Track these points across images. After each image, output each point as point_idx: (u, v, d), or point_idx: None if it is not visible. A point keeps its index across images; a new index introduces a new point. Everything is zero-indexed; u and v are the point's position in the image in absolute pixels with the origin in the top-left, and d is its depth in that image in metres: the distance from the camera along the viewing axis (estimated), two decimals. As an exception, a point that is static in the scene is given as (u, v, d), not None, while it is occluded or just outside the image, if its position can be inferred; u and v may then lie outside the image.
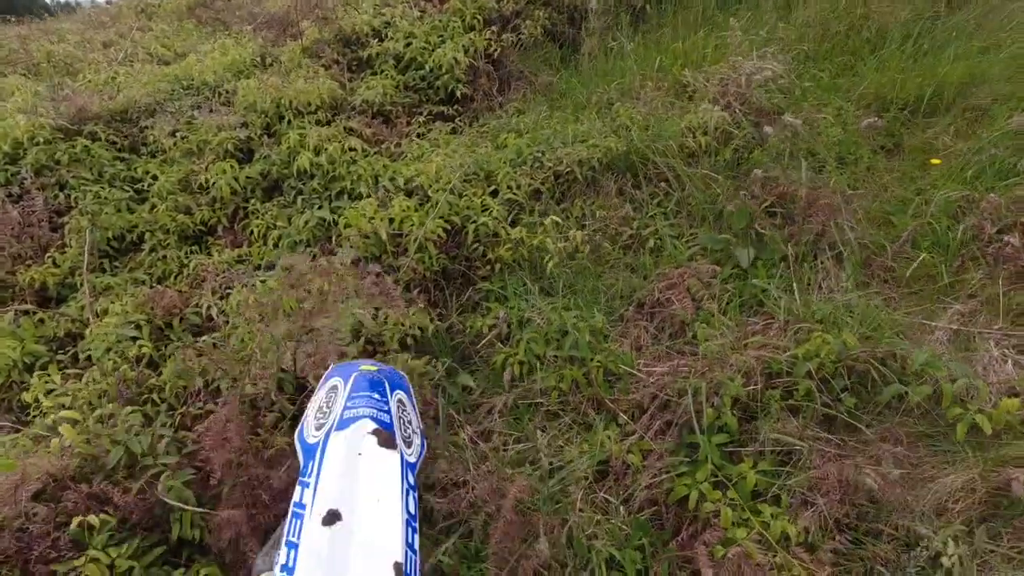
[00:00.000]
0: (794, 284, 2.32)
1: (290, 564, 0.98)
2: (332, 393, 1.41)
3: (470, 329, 2.54)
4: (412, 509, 1.14)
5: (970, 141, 2.57)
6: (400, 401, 1.43)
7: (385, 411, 1.33)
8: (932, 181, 2.56)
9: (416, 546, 1.08)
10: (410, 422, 1.41)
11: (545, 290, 2.73)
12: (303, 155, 3.03)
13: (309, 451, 1.24)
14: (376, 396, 1.36)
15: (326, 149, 3.06)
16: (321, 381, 1.50)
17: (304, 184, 3.06)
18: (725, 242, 2.62)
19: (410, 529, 1.08)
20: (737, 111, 3.01)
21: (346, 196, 2.99)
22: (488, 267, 2.74)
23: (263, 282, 2.62)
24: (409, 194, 2.92)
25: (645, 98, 3.46)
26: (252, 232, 2.95)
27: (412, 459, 1.27)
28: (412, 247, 2.62)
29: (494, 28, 4.28)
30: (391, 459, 1.21)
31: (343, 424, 1.26)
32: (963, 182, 2.44)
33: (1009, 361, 1.95)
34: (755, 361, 2.05)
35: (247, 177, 3.09)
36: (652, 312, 2.55)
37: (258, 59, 4.10)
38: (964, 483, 1.67)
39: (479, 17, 4.28)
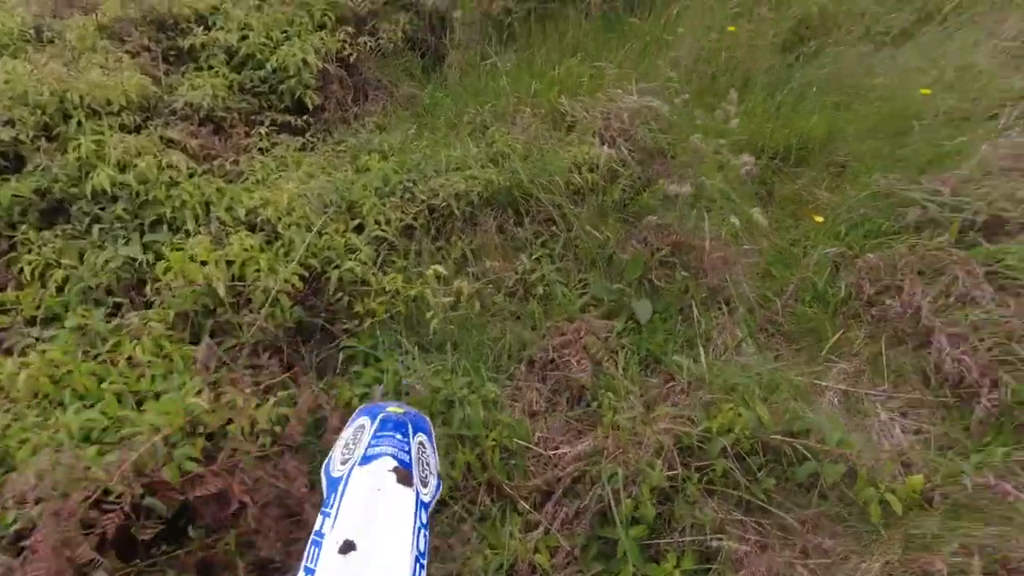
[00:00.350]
0: (699, 345, 2.20)
1: None
2: (359, 431, 1.46)
3: (337, 400, 2.07)
4: (422, 547, 1.17)
5: (836, 195, 2.67)
6: (421, 443, 1.47)
7: (406, 451, 1.37)
8: (805, 232, 2.62)
9: None
10: (428, 463, 1.45)
11: (424, 346, 2.35)
12: (102, 171, 2.30)
13: (333, 484, 1.28)
14: (399, 436, 1.41)
15: (135, 165, 2.37)
16: (350, 420, 1.55)
17: (103, 209, 2.33)
18: (619, 292, 2.45)
19: (419, 566, 1.12)
20: (623, 148, 2.88)
21: (165, 227, 2.33)
22: (356, 320, 2.29)
23: (42, 347, 1.91)
24: (252, 228, 2.35)
25: (522, 124, 3.21)
26: (22, 271, 2.18)
27: (427, 499, 1.31)
28: (260, 300, 2.08)
29: (348, 29, 3.76)
30: (407, 496, 1.25)
31: (366, 460, 1.32)
32: (837, 237, 2.51)
33: (897, 426, 1.99)
34: (668, 437, 1.88)
35: (14, 196, 2.29)
36: (545, 374, 2.30)
37: (31, 32, 3.16)
38: (882, 568, 1.62)
39: (330, 14, 3.74)
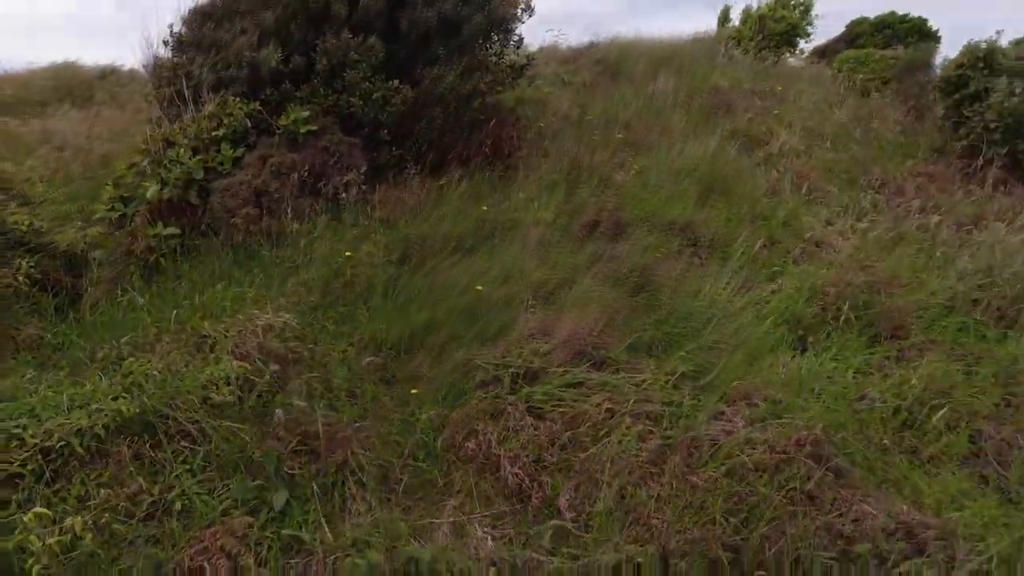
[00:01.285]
0: (321, 517, 2.52)
1: None
2: None
3: None
4: None
5: (436, 369, 3.42)
6: None
7: None
8: (418, 403, 3.25)
9: None
10: None
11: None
12: None
13: None
14: None
15: None
16: None
17: None
18: (258, 489, 2.66)
19: None
20: (257, 360, 3.25)
21: None
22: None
23: None
24: None
25: (161, 351, 3.38)
26: None
27: None
28: None
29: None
30: None
31: None
32: (436, 403, 3.19)
33: (488, 538, 2.53)
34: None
35: None
36: (184, 588, 2.32)
37: None
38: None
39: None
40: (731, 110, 8.13)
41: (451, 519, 2.65)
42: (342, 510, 2.68)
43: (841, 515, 2.34)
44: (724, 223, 5.13)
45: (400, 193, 5.23)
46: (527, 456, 2.74)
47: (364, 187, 5.22)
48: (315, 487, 2.65)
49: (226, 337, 3.48)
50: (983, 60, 7.31)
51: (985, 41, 7.45)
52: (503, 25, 6.17)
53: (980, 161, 7.04)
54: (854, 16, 14.92)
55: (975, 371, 3.27)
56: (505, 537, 2.55)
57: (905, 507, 2.36)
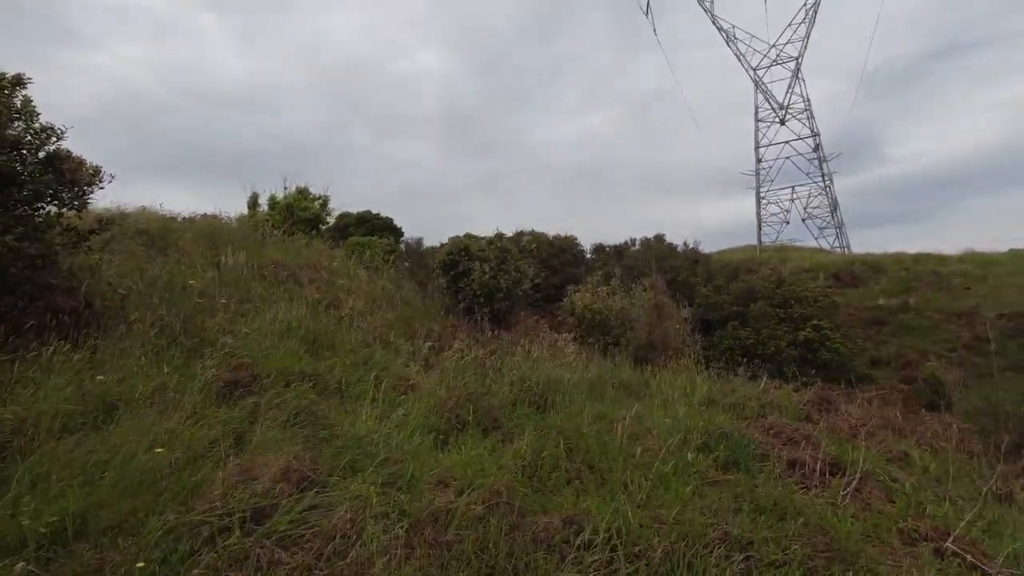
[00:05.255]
0: None
1: None
2: None
3: None
4: None
5: (135, 545, 2.95)
6: None
7: None
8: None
9: None
10: None
11: None
12: None
13: None
14: None
15: None
16: None
17: None
18: None
19: None
20: None
21: None
22: None
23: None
24: None
25: None
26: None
27: None
28: None
29: None
30: None
31: None
32: (154, 576, 2.80)
33: None
34: None
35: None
36: None
37: None
38: None
39: None
40: (298, 280, 9.17)
41: None
42: None
43: (548, 528, 3.39)
44: (341, 370, 5.93)
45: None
46: (299, 581, 2.80)
47: None
48: None
49: None
50: (465, 250, 10.73)
51: (464, 236, 10.97)
52: (74, 187, 5.68)
53: (478, 316, 10.10)
54: (352, 209, 18.59)
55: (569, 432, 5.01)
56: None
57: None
